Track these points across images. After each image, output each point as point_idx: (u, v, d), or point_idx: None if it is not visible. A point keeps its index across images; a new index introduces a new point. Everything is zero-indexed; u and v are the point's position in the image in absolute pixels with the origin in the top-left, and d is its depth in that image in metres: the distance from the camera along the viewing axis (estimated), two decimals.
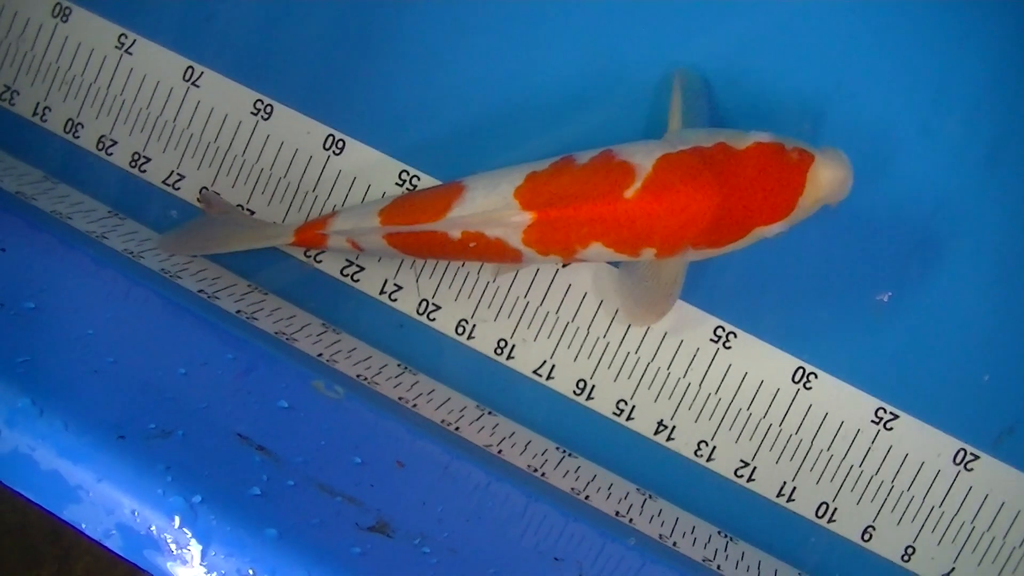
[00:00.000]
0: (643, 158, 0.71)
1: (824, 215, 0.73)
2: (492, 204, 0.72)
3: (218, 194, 0.83)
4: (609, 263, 0.79)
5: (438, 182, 0.81)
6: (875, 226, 0.79)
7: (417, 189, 0.81)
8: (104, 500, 0.59)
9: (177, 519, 0.59)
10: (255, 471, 0.63)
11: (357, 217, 0.77)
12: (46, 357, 0.64)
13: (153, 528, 0.59)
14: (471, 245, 0.73)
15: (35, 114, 0.85)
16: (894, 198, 0.78)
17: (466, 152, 0.82)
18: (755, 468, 0.79)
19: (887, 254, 0.79)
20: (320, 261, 0.83)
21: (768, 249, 0.76)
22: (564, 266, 0.80)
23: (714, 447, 0.80)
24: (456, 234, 0.73)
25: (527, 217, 0.71)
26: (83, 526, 0.60)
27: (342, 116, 0.83)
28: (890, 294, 0.78)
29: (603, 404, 0.82)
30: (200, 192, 0.83)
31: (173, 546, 0.58)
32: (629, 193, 0.70)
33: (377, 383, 0.77)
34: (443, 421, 0.76)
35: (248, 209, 0.82)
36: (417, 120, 0.82)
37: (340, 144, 0.82)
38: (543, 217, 0.71)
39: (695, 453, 0.80)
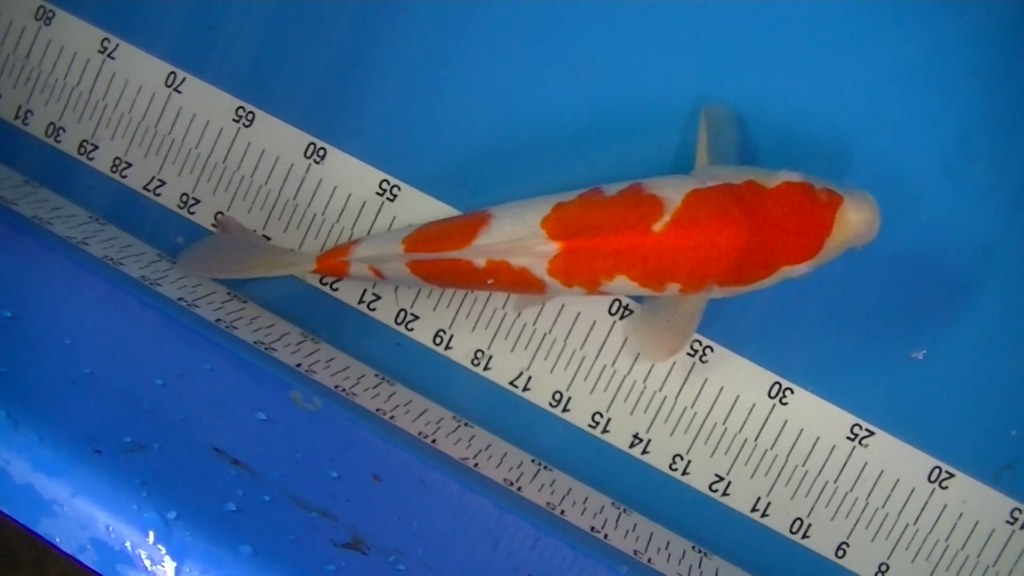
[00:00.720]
0: (672, 192, 0.71)
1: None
2: (518, 233, 0.73)
3: (235, 219, 0.82)
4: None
5: (422, 196, 0.81)
6: (895, 267, 0.80)
7: (441, 219, 0.80)
8: (78, 515, 0.59)
9: (152, 535, 0.59)
10: (231, 486, 0.63)
11: (380, 244, 0.77)
12: (22, 368, 0.64)
13: (127, 544, 0.59)
14: (489, 282, 0.74)
15: (16, 117, 0.85)
16: (917, 240, 0.79)
17: (490, 184, 0.82)
18: (730, 483, 0.79)
19: (902, 294, 0.80)
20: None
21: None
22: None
23: (689, 461, 0.80)
24: (481, 262, 0.73)
25: (553, 247, 0.71)
26: (57, 540, 0.60)
27: (324, 124, 0.82)
28: (922, 351, 0.80)
29: (579, 416, 0.82)
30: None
31: (147, 562, 0.58)
32: (657, 227, 0.70)
33: (355, 394, 0.77)
34: (420, 433, 0.76)
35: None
36: (439, 149, 0.83)
37: (321, 152, 0.81)
38: (569, 247, 0.71)
39: (670, 467, 0.80)
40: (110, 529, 0.59)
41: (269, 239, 0.83)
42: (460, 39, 0.82)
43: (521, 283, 0.73)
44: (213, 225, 0.84)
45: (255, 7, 0.83)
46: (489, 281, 0.74)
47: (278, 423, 0.71)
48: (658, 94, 0.80)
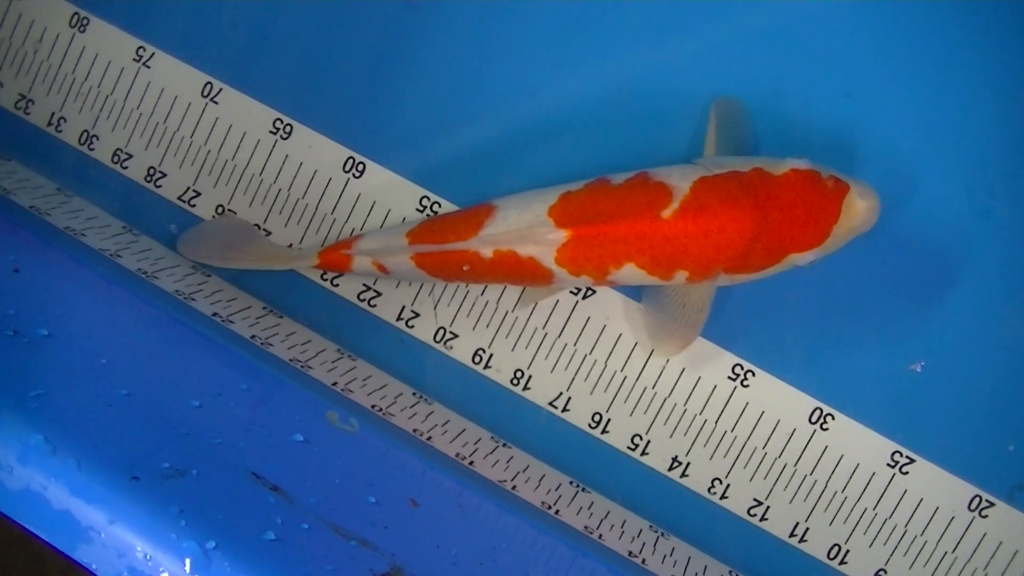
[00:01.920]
0: (680, 180, 0.70)
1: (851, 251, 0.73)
2: (525, 222, 0.72)
3: (234, 212, 0.81)
4: (635, 295, 0.79)
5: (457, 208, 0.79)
6: (893, 262, 0.79)
7: (445, 213, 0.79)
8: (116, 542, 0.59)
9: (189, 563, 0.58)
10: (269, 513, 0.62)
11: (384, 238, 0.76)
12: (59, 390, 0.64)
13: (165, 574, 0.58)
14: (464, 268, 0.73)
15: (50, 124, 0.84)
16: (913, 232, 0.78)
17: (492, 178, 0.81)
18: (768, 507, 0.78)
19: (904, 289, 0.79)
20: (337, 285, 0.81)
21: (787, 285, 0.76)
22: (577, 292, 0.79)
23: (728, 485, 0.79)
24: (488, 252, 0.72)
25: (562, 235, 0.71)
26: (94, 567, 0.59)
27: (363, 138, 0.82)
28: (923, 363, 0.77)
29: (618, 438, 0.81)
30: (216, 211, 0.81)
31: None
32: (666, 213, 0.70)
33: (392, 414, 0.76)
34: (457, 455, 0.75)
35: (265, 230, 0.81)
36: (443, 145, 0.82)
37: (360, 167, 0.81)
38: (578, 234, 0.70)
39: (709, 491, 0.79)
40: (148, 558, 0.58)
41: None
42: (468, 33, 0.81)
43: (529, 273, 0.73)
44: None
45: (292, 20, 0.81)
46: (465, 267, 0.74)
47: (315, 445, 0.70)
48: (664, 87, 0.79)
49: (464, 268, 0.73)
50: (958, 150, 0.77)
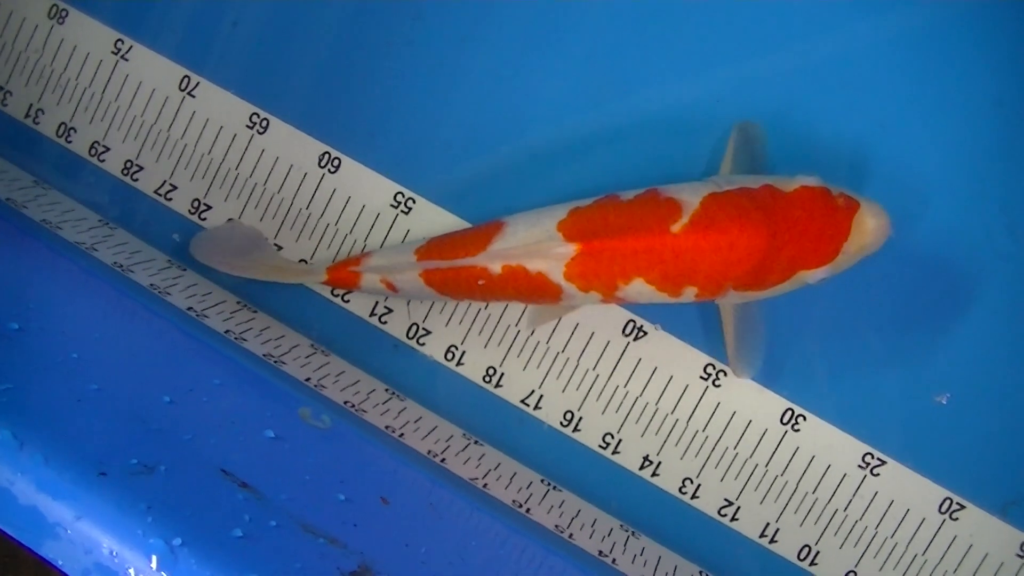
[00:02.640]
0: (690, 196, 0.70)
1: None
2: (535, 237, 0.72)
3: (240, 221, 0.82)
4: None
5: (440, 211, 0.81)
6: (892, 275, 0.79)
7: (454, 230, 0.79)
8: (83, 539, 0.58)
9: (155, 560, 0.58)
10: (238, 510, 0.62)
11: (392, 255, 0.76)
12: (28, 384, 0.64)
13: (131, 570, 0.58)
14: (480, 283, 0.73)
15: (27, 116, 0.84)
16: (922, 250, 0.78)
17: (504, 196, 0.81)
18: (739, 507, 0.78)
19: (904, 302, 0.80)
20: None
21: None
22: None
23: (699, 485, 0.79)
24: (497, 268, 0.72)
25: (571, 249, 0.70)
26: (60, 563, 0.59)
27: (336, 133, 0.81)
28: (948, 395, 0.78)
29: (590, 437, 0.81)
30: (191, 205, 0.82)
31: None
32: (676, 228, 0.69)
33: (364, 410, 0.76)
34: (429, 452, 0.76)
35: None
36: (452, 160, 0.82)
37: (336, 161, 0.81)
38: (587, 249, 0.70)
39: (679, 490, 0.80)
40: (114, 554, 0.58)
41: (281, 248, 0.80)
42: (475, 49, 0.81)
43: (538, 289, 0.72)
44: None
45: (271, 12, 0.81)
46: (480, 282, 0.73)
47: (287, 441, 0.70)
48: (675, 105, 0.80)
49: (480, 283, 0.74)
50: (972, 169, 0.77)
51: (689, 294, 0.70)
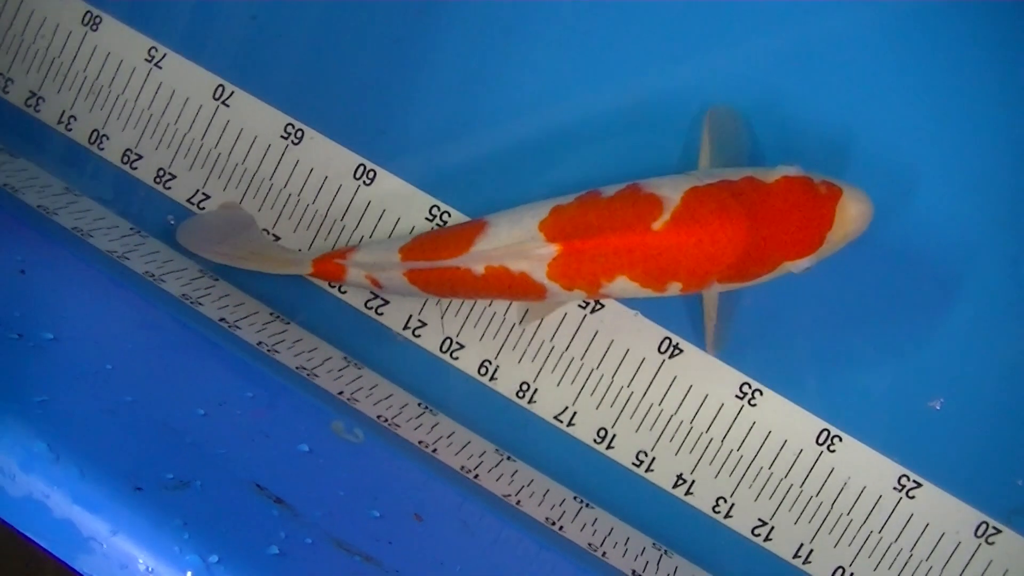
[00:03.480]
0: (670, 191, 0.70)
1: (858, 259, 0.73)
2: (516, 237, 0.71)
3: (237, 203, 0.81)
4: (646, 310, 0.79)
5: (466, 217, 0.80)
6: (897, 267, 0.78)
7: (438, 228, 0.79)
8: (118, 554, 0.58)
9: None
10: (273, 527, 0.62)
11: (378, 252, 0.76)
12: (64, 396, 0.63)
13: None
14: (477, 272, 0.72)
15: (60, 122, 0.83)
16: (913, 236, 0.77)
17: (490, 184, 0.81)
18: (773, 528, 0.78)
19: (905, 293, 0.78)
20: (345, 292, 0.81)
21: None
22: (585, 306, 0.79)
23: (732, 504, 0.78)
24: (479, 269, 0.72)
25: (552, 249, 0.70)
26: None
27: (374, 145, 0.81)
28: (942, 400, 0.77)
29: (623, 454, 0.80)
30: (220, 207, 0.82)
31: None
32: (657, 225, 0.69)
33: (398, 424, 0.75)
34: (462, 468, 0.75)
35: (274, 235, 0.80)
36: (452, 154, 0.81)
37: (371, 174, 0.80)
38: (569, 249, 0.70)
39: (713, 509, 0.79)
40: (150, 570, 0.58)
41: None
42: (457, 41, 0.81)
43: (521, 288, 0.72)
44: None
45: (306, 25, 0.81)
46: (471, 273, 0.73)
47: (320, 456, 0.69)
48: (658, 95, 0.79)
49: (465, 277, 0.73)
50: (961, 156, 0.77)
51: (674, 288, 0.70)
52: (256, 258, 0.79)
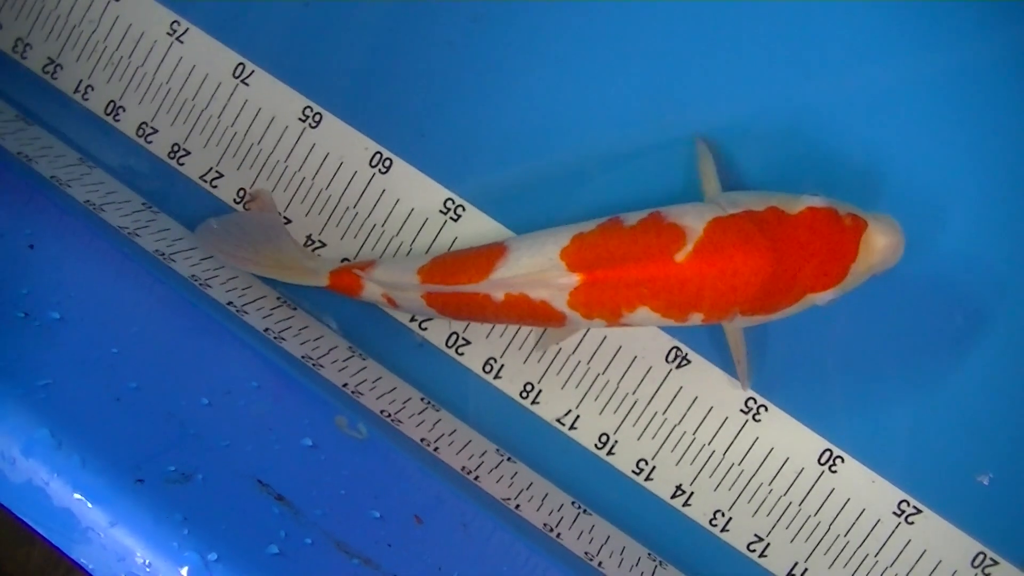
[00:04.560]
0: (694, 220, 0.69)
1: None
2: (537, 265, 0.70)
3: (267, 192, 0.81)
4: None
5: (482, 214, 0.79)
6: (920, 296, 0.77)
7: (457, 249, 0.79)
8: (116, 546, 0.58)
9: (186, 572, 0.57)
10: (273, 526, 0.62)
11: (396, 271, 0.75)
12: (68, 380, 0.62)
13: None
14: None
15: (77, 91, 0.82)
16: (942, 271, 0.76)
17: (510, 205, 0.80)
18: (769, 544, 0.78)
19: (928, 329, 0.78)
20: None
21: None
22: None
23: (730, 518, 0.78)
24: (499, 296, 0.71)
25: (574, 279, 0.69)
26: (91, 567, 0.58)
27: (389, 132, 0.80)
28: (990, 475, 0.77)
29: (624, 461, 0.80)
30: (237, 194, 0.81)
31: None
32: (680, 256, 0.68)
33: (400, 420, 0.75)
34: (463, 468, 0.75)
35: (286, 217, 0.79)
36: (463, 149, 0.81)
37: (388, 162, 0.80)
38: (591, 279, 0.69)
39: (710, 522, 0.79)
40: (147, 564, 0.58)
41: (324, 245, 0.80)
42: (475, 65, 0.80)
43: (541, 316, 0.71)
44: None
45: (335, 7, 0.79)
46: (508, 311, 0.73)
47: (323, 451, 0.69)
48: (680, 117, 0.78)
49: (484, 303, 0.73)
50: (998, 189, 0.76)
51: (695, 319, 0.70)
52: (272, 267, 0.79)
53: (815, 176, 0.77)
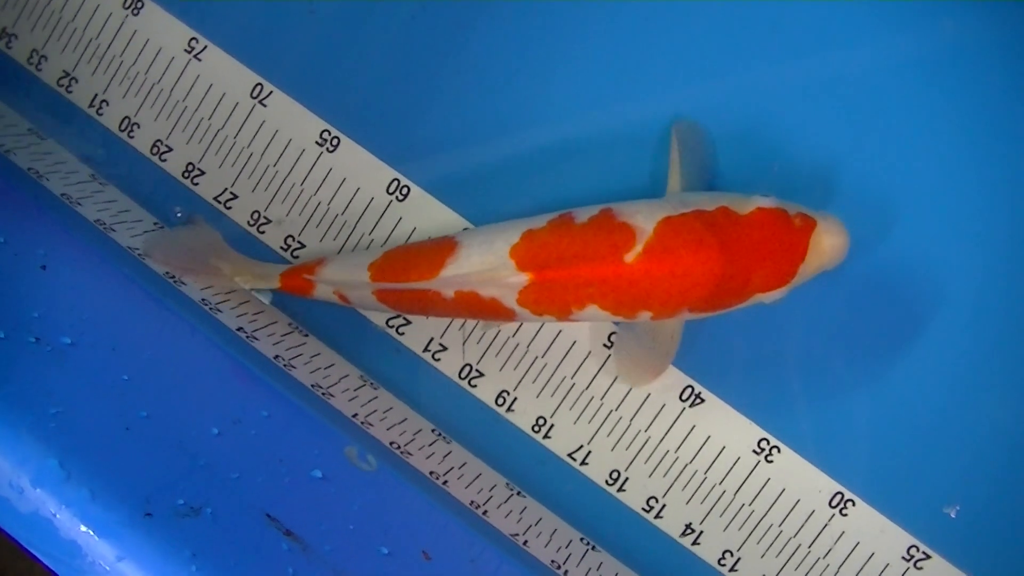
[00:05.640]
0: (644, 220, 0.69)
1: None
2: (487, 263, 0.70)
3: (203, 217, 0.80)
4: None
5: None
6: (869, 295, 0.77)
7: (407, 243, 0.78)
8: None
9: None
10: (282, 562, 0.61)
11: (347, 269, 0.74)
12: (79, 409, 0.62)
13: None
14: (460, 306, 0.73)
15: (91, 105, 0.81)
16: (889, 267, 0.76)
17: (464, 194, 0.80)
18: (740, 559, 0.77)
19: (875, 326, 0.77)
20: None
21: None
22: (610, 345, 0.78)
23: (739, 559, 0.79)
24: (449, 293, 0.71)
25: (523, 278, 0.69)
26: None
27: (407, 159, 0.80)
28: (958, 508, 0.76)
29: (634, 498, 0.80)
30: (251, 216, 0.81)
31: None
32: (630, 257, 0.68)
33: (410, 452, 0.74)
34: (472, 503, 0.74)
35: (300, 242, 0.79)
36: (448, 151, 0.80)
37: (404, 190, 0.80)
38: (540, 279, 0.69)
39: (719, 562, 0.79)
40: None
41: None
42: (477, 40, 0.79)
43: (491, 312, 0.72)
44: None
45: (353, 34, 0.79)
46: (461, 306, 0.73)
47: (332, 483, 0.68)
48: (635, 110, 0.78)
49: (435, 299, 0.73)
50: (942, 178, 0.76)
51: (644, 316, 0.70)
52: (222, 271, 0.77)
53: (759, 178, 0.76)
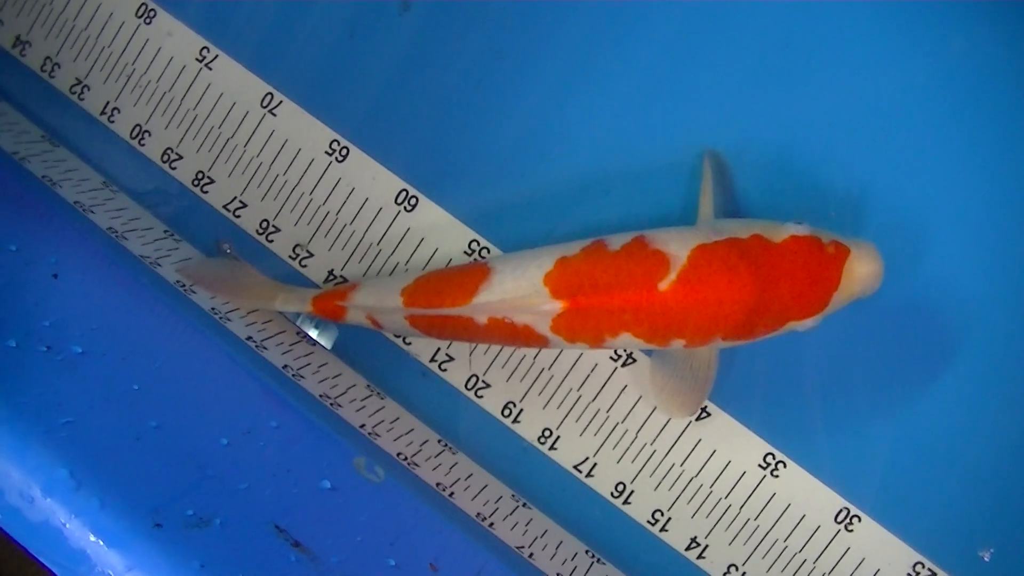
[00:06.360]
0: (678, 248, 0.69)
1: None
2: (521, 290, 0.70)
3: (232, 248, 0.81)
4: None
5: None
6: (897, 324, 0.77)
7: (439, 268, 0.78)
8: None
9: None
10: (290, 574, 0.61)
11: (379, 293, 0.74)
12: (89, 418, 0.62)
13: None
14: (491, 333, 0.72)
15: (103, 113, 0.81)
16: (917, 294, 0.76)
17: (497, 220, 0.80)
18: (744, 573, 0.77)
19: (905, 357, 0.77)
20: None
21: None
22: (617, 358, 0.79)
23: (743, 573, 0.79)
24: (483, 320, 0.71)
25: (557, 306, 0.69)
26: None
27: (418, 171, 0.80)
28: (992, 551, 0.76)
29: (639, 511, 0.80)
30: (260, 225, 0.80)
31: None
32: (663, 285, 0.68)
33: (417, 464, 0.74)
34: (478, 515, 0.74)
35: (307, 251, 0.79)
36: (494, 189, 0.80)
37: (413, 200, 0.80)
38: (574, 306, 0.69)
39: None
40: None
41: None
42: (510, 69, 0.79)
43: (524, 339, 0.71)
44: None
45: (365, 46, 0.80)
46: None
47: (340, 494, 0.68)
48: (667, 138, 0.78)
49: (468, 325, 0.72)
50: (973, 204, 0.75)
51: (677, 344, 0.70)
52: (255, 296, 0.78)
53: (799, 199, 0.77)
